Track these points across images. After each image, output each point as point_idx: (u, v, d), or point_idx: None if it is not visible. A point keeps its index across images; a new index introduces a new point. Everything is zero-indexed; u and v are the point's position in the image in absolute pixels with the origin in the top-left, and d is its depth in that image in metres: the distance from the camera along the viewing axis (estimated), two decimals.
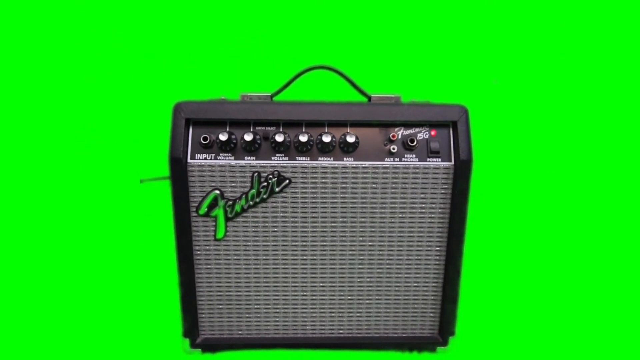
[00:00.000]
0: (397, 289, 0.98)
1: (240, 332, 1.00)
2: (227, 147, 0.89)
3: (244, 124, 0.90)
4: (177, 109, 0.89)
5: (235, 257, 0.94)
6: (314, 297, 0.98)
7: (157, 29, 1.39)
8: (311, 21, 1.39)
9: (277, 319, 0.99)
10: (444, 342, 1.00)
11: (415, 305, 0.99)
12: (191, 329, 0.98)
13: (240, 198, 0.91)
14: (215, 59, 1.38)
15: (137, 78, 1.40)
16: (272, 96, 1.00)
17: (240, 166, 0.89)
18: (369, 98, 0.99)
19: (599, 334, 1.08)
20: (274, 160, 0.90)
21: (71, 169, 1.43)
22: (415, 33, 1.40)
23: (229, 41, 1.39)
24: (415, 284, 0.98)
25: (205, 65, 1.38)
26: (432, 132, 0.92)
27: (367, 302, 0.98)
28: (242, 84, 1.22)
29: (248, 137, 0.87)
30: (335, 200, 0.91)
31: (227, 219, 0.92)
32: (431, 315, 1.00)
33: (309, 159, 0.90)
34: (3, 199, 1.41)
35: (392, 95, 0.99)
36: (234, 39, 1.39)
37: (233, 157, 0.89)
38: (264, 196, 0.91)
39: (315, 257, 0.95)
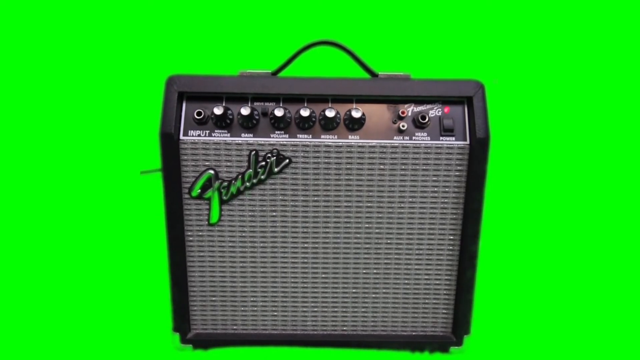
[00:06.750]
0: (406, 282, 0.90)
1: (234, 327, 0.93)
2: (222, 123, 0.83)
3: (241, 99, 0.84)
4: (170, 82, 0.84)
5: (230, 244, 0.88)
6: (315, 290, 0.91)
7: (155, 8, 1.35)
8: None
9: (275, 314, 0.92)
10: (458, 342, 0.92)
11: (427, 301, 0.91)
12: (182, 323, 0.91)
13: (236, 179, 0.84)
14: (214, 36, 1.34)
15: (136, 58, 1.36)
16: (272, 74, 0.95)
17: (237, 144, 0.83)
18: (376, 76, 0.93)
19: (623, 333, 1.00)
20: (273, 137, 0.83)
21: (58, 148, 1.39)
22: (425, 9, 1.34)
23: (228, 18, 1.34)
24: (427, 277, 0.90)
25: (203, 43, 1.34)
26: (445, 109, 0.85)
27: (374, 296, 0.91)
28: (241, 62, 1.17)
29: (245, 112, 0.81)
30: (340, 182, 0.85)
31: (222, 202, 0.86)
32: (444, 312, 0.92)
33: (311, 136, 0.83)
34: None
35: (401, 74, 0.93)
36: (233, 16, 1.34)
37: (229, 134, 0.83)
38: (262, 177, 0.84)
39: (317, 245, 0.88)
